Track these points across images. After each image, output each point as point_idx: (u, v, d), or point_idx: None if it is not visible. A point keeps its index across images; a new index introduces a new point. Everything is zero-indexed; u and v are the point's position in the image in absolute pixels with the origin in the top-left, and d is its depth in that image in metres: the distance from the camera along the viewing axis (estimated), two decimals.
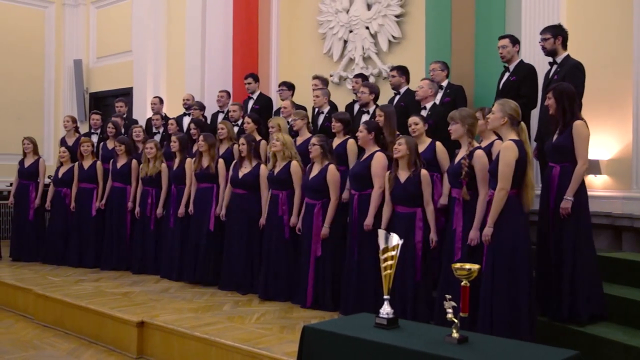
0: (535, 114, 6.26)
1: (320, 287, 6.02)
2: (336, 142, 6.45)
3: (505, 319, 4.38)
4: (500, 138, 4.84)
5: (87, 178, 8.49)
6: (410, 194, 5.32)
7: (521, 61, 6.21)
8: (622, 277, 5.29)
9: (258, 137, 7.25)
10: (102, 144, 8.89)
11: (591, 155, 6.05)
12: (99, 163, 8.51)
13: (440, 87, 6.54)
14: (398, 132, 6.03)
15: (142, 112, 10.42)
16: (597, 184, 6.28)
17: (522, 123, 4.66)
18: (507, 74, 6.20)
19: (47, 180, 9.17)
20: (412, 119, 5.81)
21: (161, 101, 9.73)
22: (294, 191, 6.42)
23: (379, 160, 5.69)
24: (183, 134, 8.00)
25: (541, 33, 5.80)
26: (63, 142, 9.31)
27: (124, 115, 9.72)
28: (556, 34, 5.71)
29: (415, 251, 5.26)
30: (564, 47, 5.72)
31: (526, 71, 6.10)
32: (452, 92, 6.47)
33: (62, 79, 12.95)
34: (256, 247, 6.70)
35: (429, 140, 5.75)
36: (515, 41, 6.20)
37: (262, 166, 6.76)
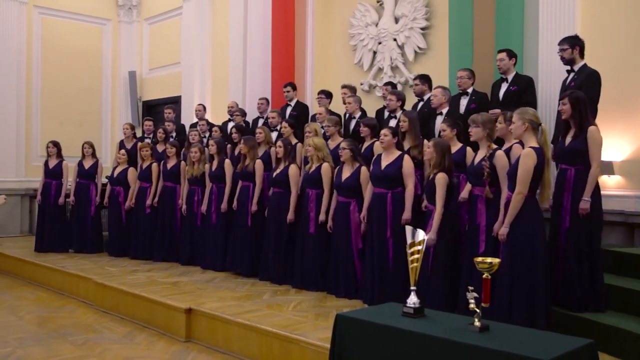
0: (552, 118, 6.19)
1: (363, 278, 5.97)
2: (365, 145, 6.46)
3: (523, 309, 4.34)
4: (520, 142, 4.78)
5: (144, 178, 8.61)
6: (430, 193, 5.30)
7: (517, 73, 6.17)
8: (635, 270, 5.21)
9: (294, 141, 7.28)
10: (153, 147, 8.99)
11: (605, 157, 5.95)
12: (154, 164, 8.59)
13: (466, 93, 6.46)
14: (421, 136, 6.01)
15: (190, 118, 10.53)
16: (611, 184, 6.17)
17: (543, 126, 4.60)
18: (504, 85, 6.16)
19: (103, 180, 9.33)
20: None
21: (204, 108, 9.82)
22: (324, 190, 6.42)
23: (409, 162, 5.70)
24: (219, 138, 8.06)
25: (559, 44, 5.71)
26: (122, 145, 9.44)
27: (173, 121, 9.84)
28: (573, 44, 5.61)
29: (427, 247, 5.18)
30: (582, 56, 5.62)
31: (527, 82, 6.09)
32: (477, 99, 6.37)
33: (118, 88, 13.17)
34: (290, 241, 6.72)
35: (459, 145, 5.65)
36: (511, 55, 6.16)
37: (292, 166, 6.76)
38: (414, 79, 7.33)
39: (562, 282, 4.81)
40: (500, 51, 6.22)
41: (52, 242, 9.05)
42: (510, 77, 6.14)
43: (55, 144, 9.25)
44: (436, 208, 5.17)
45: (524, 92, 6.01)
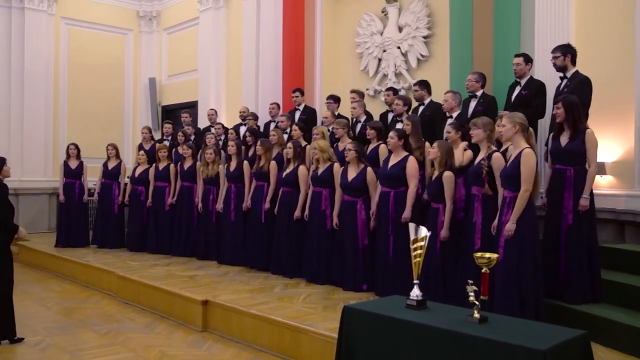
0: (543, 122, 6.16)
1: (366, 272, 5.99)
2: (371, 147, 6.44)
3: (519, 301, 4.32)
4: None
5: (161, 178, 8.63)
6: (435, 192, 5.29)
7: (531, 77, 6.07)
8: (625, 265, 5.20)
9: (304, 143, 7.28)
10: (174, 150, 9.00)
11: (597, 158, 5.91)
12: (172, 165, 8.62)
13: (475, 96, 6.37)
14: (423, 139, 6.00)
15: (206, 121, 10.55)
16: (603, 184, 6.13)
17: (530, 129, 4.61)
18: (518, 88, 6.06)
19: (126, 180, 9.37)
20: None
21: (216, 112, 9.85)
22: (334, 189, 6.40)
23: (413, 163, 5.69)
24: (239, 140, 8.06)
25: (552, 52, 5.68)
26: (141, 147, 9.47)
27: (190, 124, 9.86)
28: (565, 51, 5.58)
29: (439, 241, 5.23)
30: (573, 63, 5.60)
31: (538, 87, 5.98)
32: (485, 102, 6.27)
33: (139, 94, 13.21)
34: (299, 237, 6.70)
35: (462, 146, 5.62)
36: (528, 60, 6.06)
37: (301, 167, 6.76)
38: (414, 84, 7.30)
39: (562, 277, 4.79)
40: (516, 55, 6.09)
41: (75, 238, 9.10)
42: (523, 81, 6.03)
43: (77, 147, 9.31)
44: (446, 205, 5.20)
45: (534, 96, 5.91)
